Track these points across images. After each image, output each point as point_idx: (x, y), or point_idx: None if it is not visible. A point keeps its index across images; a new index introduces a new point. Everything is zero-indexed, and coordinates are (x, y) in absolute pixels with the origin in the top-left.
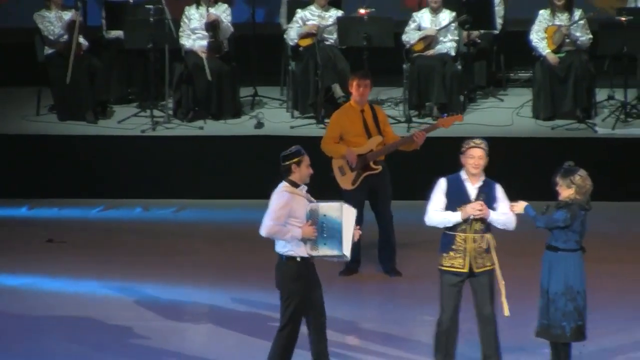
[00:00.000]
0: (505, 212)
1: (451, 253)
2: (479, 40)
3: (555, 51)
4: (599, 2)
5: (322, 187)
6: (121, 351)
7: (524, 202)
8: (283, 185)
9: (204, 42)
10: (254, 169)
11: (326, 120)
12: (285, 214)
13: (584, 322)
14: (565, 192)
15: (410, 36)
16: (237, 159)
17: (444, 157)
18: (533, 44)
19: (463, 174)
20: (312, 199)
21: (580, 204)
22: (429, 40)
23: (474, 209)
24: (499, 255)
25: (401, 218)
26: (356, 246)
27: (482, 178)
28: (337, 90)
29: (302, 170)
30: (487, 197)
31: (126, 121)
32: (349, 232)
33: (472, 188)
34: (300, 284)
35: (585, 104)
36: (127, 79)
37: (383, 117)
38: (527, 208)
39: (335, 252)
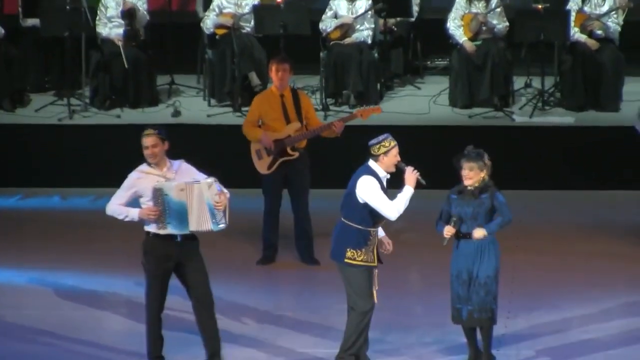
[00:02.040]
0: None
1: (364, 249)
2: (396, 28)
3: (472, 39)
4: None
5: (239, 173)
6: (34, 339)
7: (482, 230)
8: (140, 166)
9: (121, 30)
10: (170, 157)
11: (244, 109)
12: (127, 195)
13: (497, 305)
14: (479, 174)
15: (327, 24)
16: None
17: (359, 147)
18: (450, 31)
19: (378, 169)
20: (170, 177)
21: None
22: (346, 28)
23: (414, 173)
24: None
25: (319, 207)
26: (274, 233)
27: None
28: (254, 78)
29: (144, 153)
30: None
31: (43, 109)
32: (202, 207)
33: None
34: (148, 258)
35: (503, 92)
36: (44, 67)
37: (306, 104)
38: (489, 228)
39: (179, 232)
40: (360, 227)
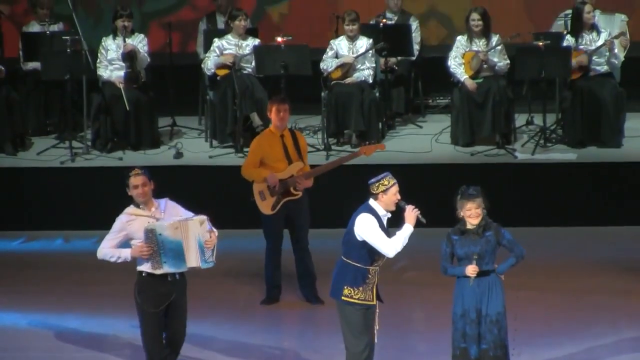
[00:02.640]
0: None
1: (362, 287)
2: (397, 67)
3: (473, 77)
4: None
5: (241, 214)
6: None
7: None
8: (128, 209)
9: (121, 73)
10: (173, 199)
11: (245, 149)
12: (118, 238)
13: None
14: (480, 211)
15: (328, 64)
16: (157, 189)
17: (362, 185)
18: (451, 70)
19: (377, 208)
20: (159, 217)
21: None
22: (347, 68)
23: (414, 211)
24: None
25: (322, 245)
26: (277, 273)
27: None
28: (256, 119)
29: (132, 192)
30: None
31: (45, 152)
32: (194, 243)
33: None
34: (143, 297)
35: (504, 130)
36: (45, 110)
37: (303, 144)
38: (500, 269)
39: (176, 270)
40: (358, 265)
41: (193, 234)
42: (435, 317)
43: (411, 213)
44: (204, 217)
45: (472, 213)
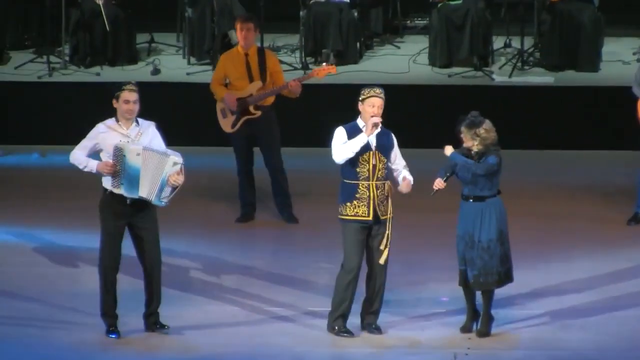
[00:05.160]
0: (404, 165)
1: (355, 202)
2: None
3: None
4: None
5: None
6: (12, 294)
7: (450, 147)
8: (107, 120)
9: None
10: (150, 115)
11: None
12: (89, 146)
13: (511, 264)
14: (469, 142)
15: None
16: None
17: (339, 105)
18: None
19: (360, 122)
20: (133, 137)
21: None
22: None
23: (373, 121)
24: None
25: (298, 165)
26: (249, 192)
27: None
28: (234, 36)
29: (121, 106)
30: (384, 147)
31: (23, 67)
32: (156, 177)
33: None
34: (103, 215)
35: (482, 52)
36: (24, 24)
37: (273, 63)
38: (455, 155)
39: (129, 195)
40: (347, 181)
41: (159, 168)
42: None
43: (369, 122)
44: (179, 160)
45: (463, 138)
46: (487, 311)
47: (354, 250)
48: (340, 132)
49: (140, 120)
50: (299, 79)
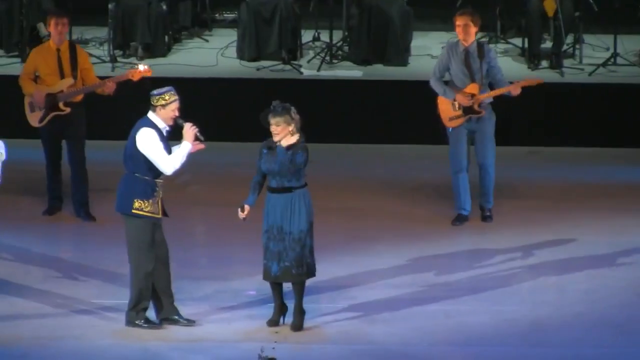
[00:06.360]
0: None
1: (151, 200)
2: None
3: None
4: None
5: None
6: None
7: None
8: None
9: None
10: None
11: None
12: None
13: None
14: (286, 129)
15: None
16: None
17: (144, 97)
18: None
19: (159, 123)
20: None
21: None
22: None
23: (192, 128)
24: None
25: (101, 157)
26: (56, 184)
27: None
28: (42, 29)
29: None
30: None
31: None
32: None
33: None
34: None
35: (291, 45)
36: None
37: (83, 59)
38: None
39: None
40: (147, 178)
41: None
42: (217, 231)
43: (189, 130)
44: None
45: (273, 129)
46: (299, 304)
47: (152, 246)
48: (153, 135)
49: None
50: (114, 79)
